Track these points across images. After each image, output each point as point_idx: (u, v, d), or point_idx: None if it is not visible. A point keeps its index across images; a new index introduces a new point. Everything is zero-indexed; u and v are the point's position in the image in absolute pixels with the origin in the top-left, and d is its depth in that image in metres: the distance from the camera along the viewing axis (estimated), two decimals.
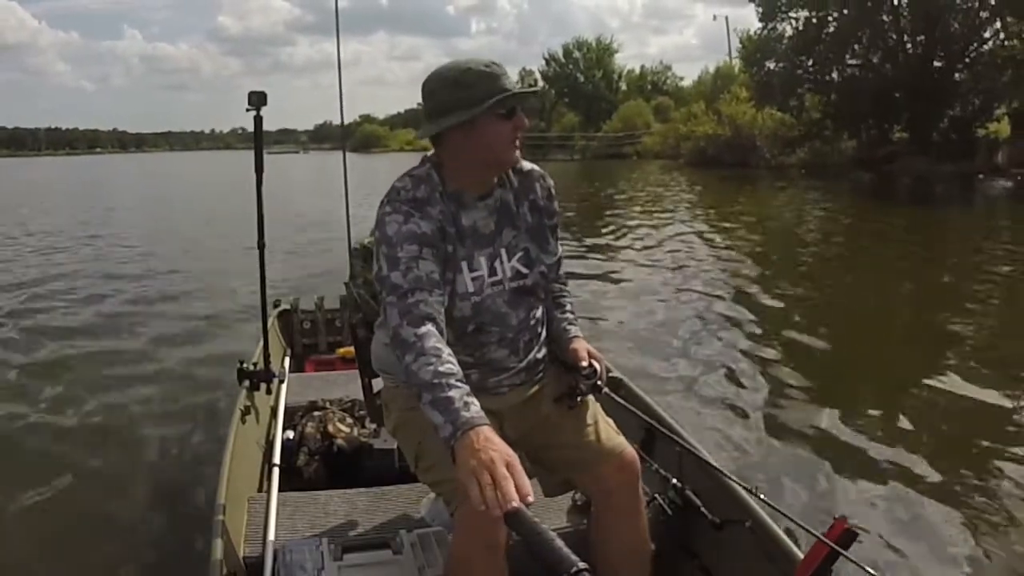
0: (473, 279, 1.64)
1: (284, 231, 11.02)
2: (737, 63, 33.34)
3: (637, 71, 53.13)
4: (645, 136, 37.73)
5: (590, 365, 1.74)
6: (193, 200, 20.35)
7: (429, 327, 1.47)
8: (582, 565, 0.99)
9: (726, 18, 35.24)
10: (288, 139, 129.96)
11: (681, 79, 49.70)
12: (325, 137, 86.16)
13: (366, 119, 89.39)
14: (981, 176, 20.10)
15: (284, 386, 3.10)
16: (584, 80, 52.33)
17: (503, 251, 1.70)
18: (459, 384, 1.40)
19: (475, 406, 1.38)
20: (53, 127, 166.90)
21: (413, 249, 1.54)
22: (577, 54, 53.45)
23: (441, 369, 1.41)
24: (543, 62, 55.34)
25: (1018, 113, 21.85)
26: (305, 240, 11.04)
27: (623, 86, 51.91)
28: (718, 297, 7.19)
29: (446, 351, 1.45)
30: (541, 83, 51.99)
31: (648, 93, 47.12)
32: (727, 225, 12.98)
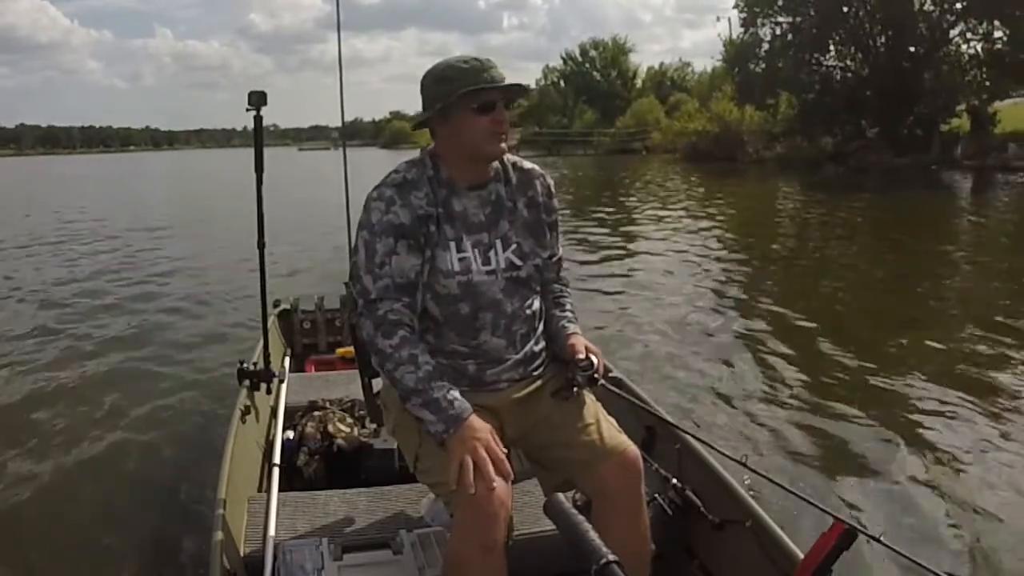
0: (460, 259, 1.71)
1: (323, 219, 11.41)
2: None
3: (657, 67, 53.90)
4: (654, 132, 38.45)
5: (587, 358, 1.75)
6: (228, 196, 20.31)
7: (402, 334, 1.63)
8: (612, 557, 1.01)
9: (728, 19, 35.69)
10: (320, 136, 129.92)
11: (701, 74, 49.90)
12: (355, 133, 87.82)
13: (396, 115, 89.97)
14: (935, 167, 21.59)
15: (284, 386, 3.10)
16: (600, 78, 52.78)
17: (498, 242, 1.74)
18: (441, 384, 1.59)
19: (458, 401, 1.58)
20: (86, 125, 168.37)
21: (389, 243, 1.66)
22: (593, 53, 54.18)
23: (421, 375, 1.59)
24: (561, 61, 56.19)
25: (976, 110, 23.12)
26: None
27: (638, 83, 52.48)
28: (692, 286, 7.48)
29: (422, 356, 1.62)
30: (538, 82, 52.70)
31: (667, 89, 47.51)
32: (698, 210, 14.44)
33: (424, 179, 1.72)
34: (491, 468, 1.50)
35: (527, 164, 1.84)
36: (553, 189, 1.86)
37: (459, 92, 1.63)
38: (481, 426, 1.56)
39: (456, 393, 1.59)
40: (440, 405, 1.57)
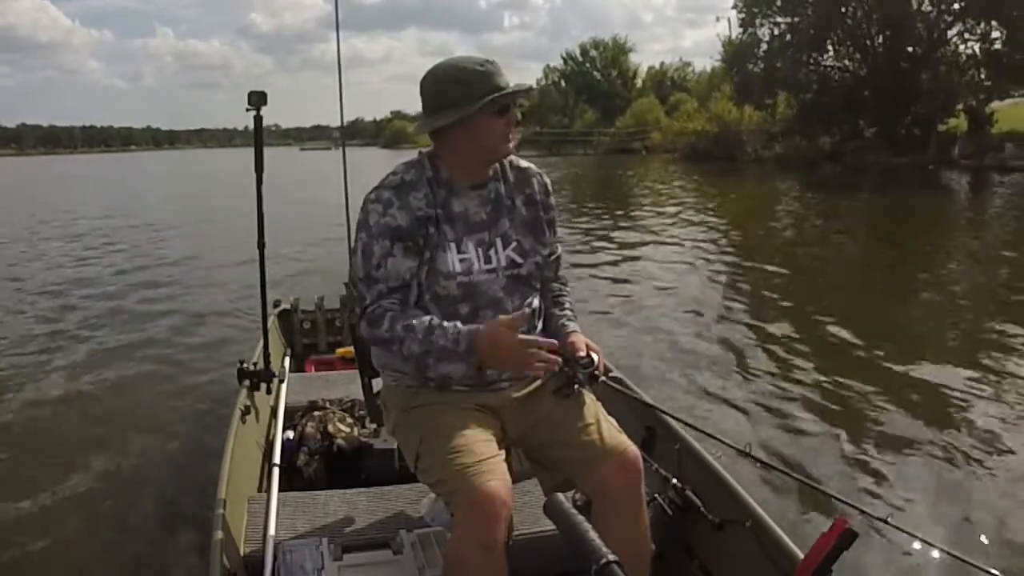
0: (461, 260, 1.71)
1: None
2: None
3: (657, 67, 54.02)
4: (654, 132, 38.52)
5: (587, 355, 1.75)
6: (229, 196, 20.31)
7: (390, 314, 1.64)
8: (612, 557, 1.01)
9: (728, 20, 35.78)
10: (321, 135, 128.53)
11: (701, 74, 49.79)
12: (356, 133, 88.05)
13: (396, 115, 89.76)
14: (932, 167, 21.87)
15: (284, 386, 3.09)
16: (601, 78, 52.87)
17: (498, 240, 1.75)
18: (440, 332, 1.59)
19: (462, 334, 1.58)
20: (87, 125, 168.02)
21: (386, 245, 1.67)
22: (594, 53, 54.34)
23: (420, 335, 1.60)
24: (561, 61, 56.33)
25: (974, 110, 23.54)
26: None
27: (639, 83, 52.55)
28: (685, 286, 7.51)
29: (415, 319, 1.62)
30: (539, 82, 52.76)
31: (668, 89, 47.56)
32: (698, 209, 14.69)
33: (423, 180, 1.72)
34: (537, 358, 1.56)
35: (523, 163, 1.86)
36: (550, 187, 1.88)
37: (490, 97, 1.63)
38: (492, 337, 1.56)
39: (455, 325, 1.60)
40: (448, 351, 1.59)
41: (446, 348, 1.59)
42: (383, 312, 1.65)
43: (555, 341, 1.59)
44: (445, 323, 1.62)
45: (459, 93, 1.64)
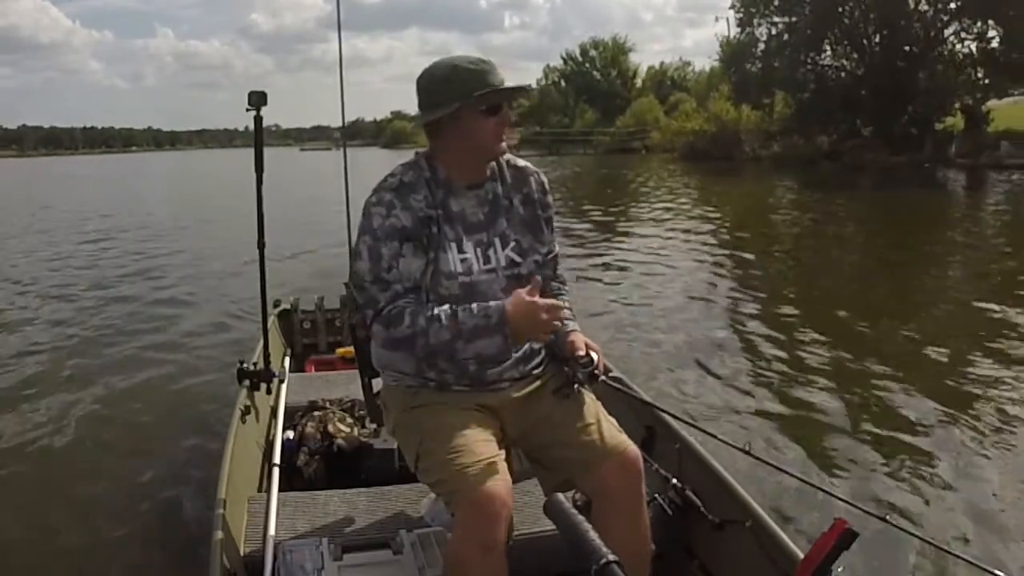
0: (461, 260, 1.72)
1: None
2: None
3: (657, 67, 54.09)
4: (654, 132, 38.59)
5: (587, 354, 1.76)
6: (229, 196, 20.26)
7: (409, 310, 1.62)
8: (612, 557, 1.01)
9: (727, 19, 35.82)
10: (322, 136, 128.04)
11: (700, 74, 49.78)
12: (356, 133, 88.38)
13: (397, 115, 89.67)
14: (928, 165, 21.99)
15: (284, 386, 3.09)
16: (600, 78, 52.94)
17: (497, 240, 1.76)
18: (465, 315, 1.60)
19: (490, 309, 1.60)
20: (88, 126, 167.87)
21: (394, 246, 1.66)
22: (594, 53, 54.41)
23: (447, 322, 1.60)
24: (561, 61, 56.41)
25: (970, 109, 23.56)
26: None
27: (638, 83, 52.65)
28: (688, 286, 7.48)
29: (435, 310, 1.62)
30: (539, 82, 52.81)
31: (667, 89, 47.61)
32: (696, 208, 14.81)
33: (421, 181, 1.72)
34: (555, 317, 1.60)
35: (520, 162, 1.86)
36: (547, 185, 1.88)
37: (477, 94, 1.63)
38: (519, 305, 1.58)
39: (478, 304, 1.61)
40: (479, 328, 1.59)
41: (477, 326, 1.59)
42: (401, 311, 1.63)
43: (564, 304, 1.64)
44: (467, 305, 1.62)
45: (451, 91, 1.65)
